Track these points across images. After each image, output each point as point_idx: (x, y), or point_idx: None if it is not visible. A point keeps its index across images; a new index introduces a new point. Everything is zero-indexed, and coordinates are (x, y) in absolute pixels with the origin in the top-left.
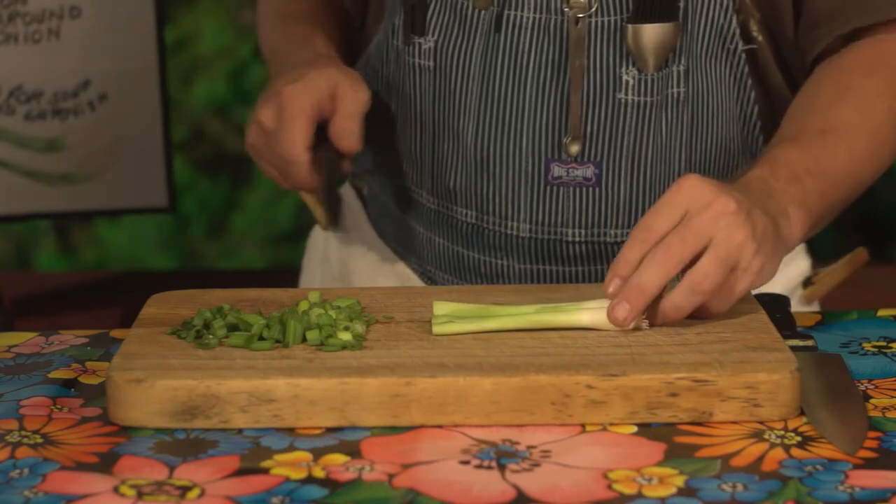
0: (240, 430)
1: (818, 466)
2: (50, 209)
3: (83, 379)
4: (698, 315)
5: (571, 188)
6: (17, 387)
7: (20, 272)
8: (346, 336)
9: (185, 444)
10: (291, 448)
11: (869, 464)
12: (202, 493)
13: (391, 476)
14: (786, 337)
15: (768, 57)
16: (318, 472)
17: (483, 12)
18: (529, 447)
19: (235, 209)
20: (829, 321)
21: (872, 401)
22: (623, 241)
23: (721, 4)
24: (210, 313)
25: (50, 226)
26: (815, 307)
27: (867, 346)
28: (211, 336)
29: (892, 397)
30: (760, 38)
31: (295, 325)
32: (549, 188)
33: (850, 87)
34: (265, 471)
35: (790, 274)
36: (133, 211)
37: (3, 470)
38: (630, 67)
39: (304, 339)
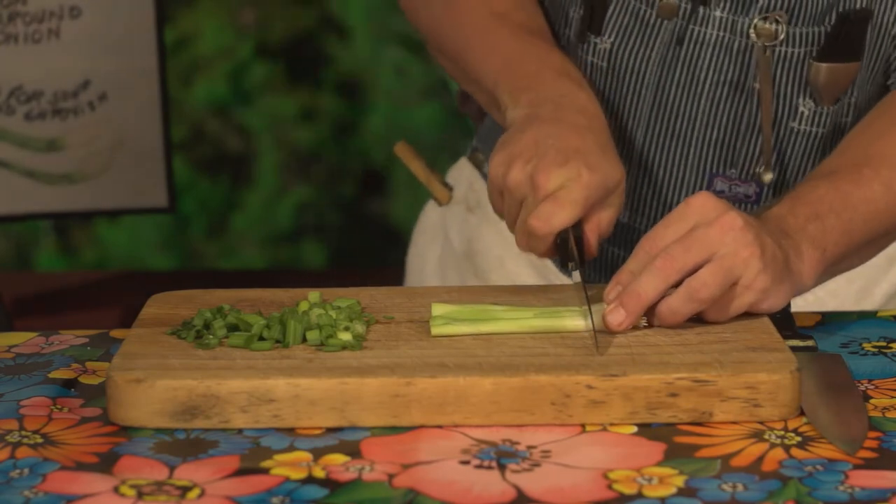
0: (240, 430)
1: (818, 466)
2: (50, 209)
3: (83, 379)
4: (697, 318)
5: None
6: (17, 387)
7: (20, 272)
8: (346, 336)
9: (185, 444)
10: (291, 448)
11: (869, 464)
12: (202, 493)
13: (391, 476)
14: (786, 337)
15: None
16: (318, 472)
17: (666, 22)
18: (529, 447)
19: (235, 209)
20: (829, 321)
21: (872, 401)
22: None
23: (892, 36)
24: (210, 313)
25: (50, 226)
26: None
27: (867, 346)
28: (211, 336)
29: (892, 397)
30: None
31: (295, 325)
32: None
33: None
34: (265, 471)
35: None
36: (133, 211)
37: (3, 470)
38: (807, 99)
39: (304, 339)
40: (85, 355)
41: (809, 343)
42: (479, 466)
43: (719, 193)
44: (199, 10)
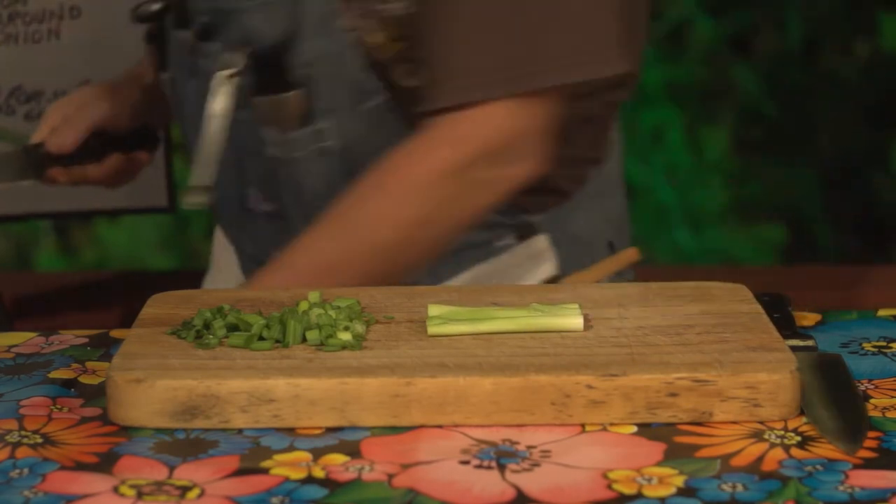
0: (240, 430)
1: (818, 466)
2: (50, 209)
3: (83, 379)
4: (697, 318)
5: (264, 219)
6: (17, 387)
7: (20, 272)
8: (346, 336)
9: (185, 444)
10: (291, 448)
11: (869, 464)
12: (202, 493)
13: (391, 476)
14: (786, 337)
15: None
16: (318, 472)
17: (187, 56)
18: (529, 447)
19: None
20: (829, 321)
21: (872, 401)
22: None
23: (355, 64)
24: (210, 313)
25: (50, 226)
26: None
27: (867, 346)
28: (211, 336)
29: (892, 397)
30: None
31: (295, 325)
32: (248, 215)
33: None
34: (265, 471)
35: (528, 273)
36: (133, 211)
37: (3, 470)
38: (271, 128)
39: (304, 339)
40: (85, 355)
41: (809, 343)
42: (479, 466)
43: (249, 211)
44: None
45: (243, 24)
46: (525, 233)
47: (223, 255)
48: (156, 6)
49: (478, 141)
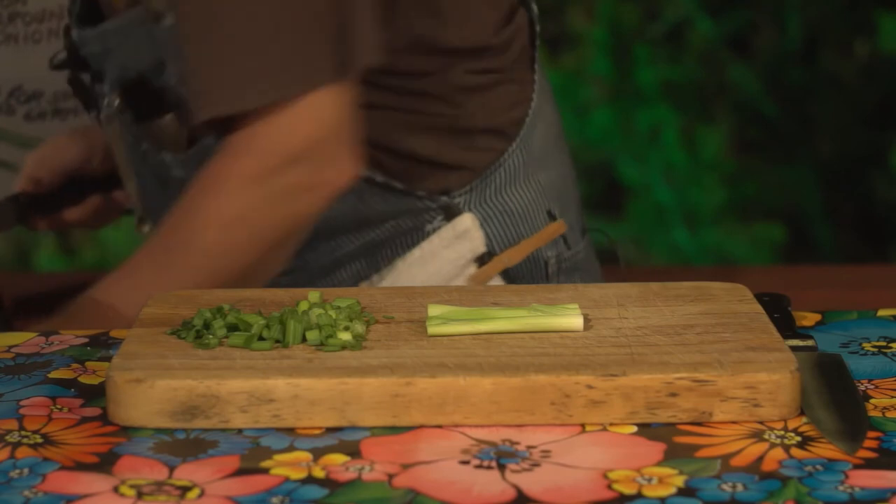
0: (240, 430)
1: (818, 466)
2: None
3: (83, 379)
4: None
5: None
6: (17, 387)
7: (20, 272)
8: (346, 336)
9: (185, 444)
10: (291, 448)
11: (869, 464)
12: (202, 493)
13: (391, 476)
14: (786, 337)
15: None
16: (318, 472)
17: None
18: (529, 447)
19: None
20: (829, 321)
21: (872, 401)
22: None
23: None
24: (210, 313)
25: None
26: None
27: (867, 346)
28: (211, 336)
29: (892, 397)
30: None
31: (295, 325)
32: None
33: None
34: (265, 471)
35: (456, 253)
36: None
37: (3, 470)
38: (164, 151)
39: (304, 339)
40: (85, 355)
41: (809, 343)
42: (479, 466)
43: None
44: None
45: (114, 62)
46: (451, 214)
47: None
48: (62, 55)
49: (278, 148)
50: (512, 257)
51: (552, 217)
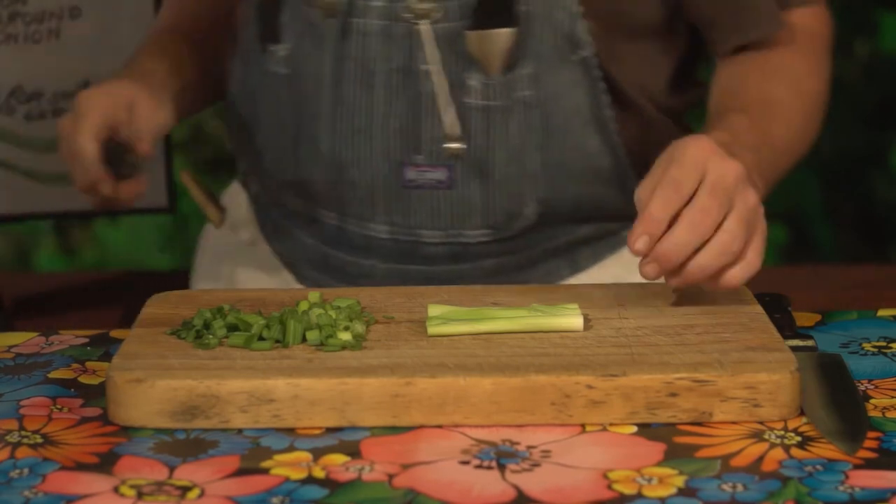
0: (240, 430)
1: (818, 466)
2: (50, 209)
3: (83, 379)
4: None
5: (426, 190)
6: (17, 387)
7: (20, 272)
8: (346, 336)
9: (185, 444)
10: (291, 448)
11: (869, 464)
12: (202, 494)
13: (391, 476)
14: (786, 337)
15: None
16: (318, 473)
17: (332, 20)
18: (529, 447)
19: None
20: (829, 321)
21: (872, 401)
22: (481, 242)
23: (566, 10)
24: (210, 313)
25: (50, 226)
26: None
27: (867, 346)
28: (211, 336)
29: (892, 397)
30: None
31: (295, 325)
32: (404, 190)
33: (781, 67)
34: (265, 471)
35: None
36: (133, 211)
37: (3, 470)
38: (474, 72)
39: (304, 339)
40: (85, 355)
41: (809, 343)
42: (479, 466)
43: (411, 182)
44: None
45: None
46: None
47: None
48: None
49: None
50: None
51: None
